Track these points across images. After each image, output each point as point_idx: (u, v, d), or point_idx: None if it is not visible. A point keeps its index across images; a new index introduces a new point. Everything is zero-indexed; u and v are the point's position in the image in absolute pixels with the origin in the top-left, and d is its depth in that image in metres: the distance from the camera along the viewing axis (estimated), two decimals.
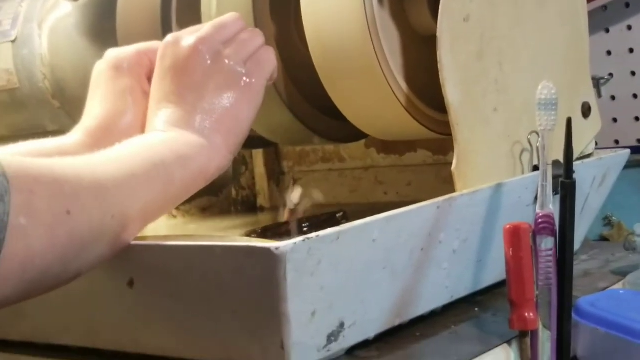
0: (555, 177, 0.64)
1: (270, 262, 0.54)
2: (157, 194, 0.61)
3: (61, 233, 0.52)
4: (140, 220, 0.59)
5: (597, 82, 1.25)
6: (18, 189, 0.49)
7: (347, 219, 0.87)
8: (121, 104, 0.72)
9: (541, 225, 0.61)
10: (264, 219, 1.10)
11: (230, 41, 0.69)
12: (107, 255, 0.57)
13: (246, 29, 0.71)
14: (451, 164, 0.73)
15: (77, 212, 0.52)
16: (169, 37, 0.70)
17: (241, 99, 0.68)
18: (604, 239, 1.15)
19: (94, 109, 0.73)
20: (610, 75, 1.27)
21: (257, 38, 0.71)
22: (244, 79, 0.68)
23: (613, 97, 1.27)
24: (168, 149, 0.63)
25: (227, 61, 0.68)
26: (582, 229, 0.90)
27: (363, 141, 1.08)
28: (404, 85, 0.77)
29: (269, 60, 0.71)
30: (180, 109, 0.66)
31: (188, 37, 0.69)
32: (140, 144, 0.63)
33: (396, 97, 0.76)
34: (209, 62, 0.67)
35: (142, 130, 0.71)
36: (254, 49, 0.70)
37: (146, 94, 0.72)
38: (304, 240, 0.55)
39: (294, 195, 0.89)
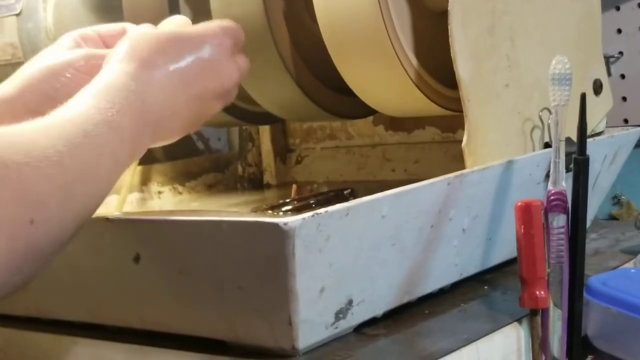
0: (567, 154, 0.64)
1: (279, 238, 0.53)
2: (107, 186, 0.55)
3: (20, 245, 0.47)
4: (94, 213, 0.55)
5: (607, 61, 1.24)
6: None
7: (354, 196, 0.87)
8: (59, 68, 0.66)
9: (553, 203, 0.61)
10: (271, 196, 1.09)
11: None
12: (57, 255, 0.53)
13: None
14: (459, 141, 0.72)
15: (40, 222, 0.48)
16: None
17: (187, 117, 0.64)
18: (613, 218, 1.14)
19: (30, 66, 0.68)
20: (620, 53, 1.25)
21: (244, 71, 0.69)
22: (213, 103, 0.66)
23: (623, 76, 1.25)
24: (121, 136, 0.56)
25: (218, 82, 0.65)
26: (592, 208, 0.89)
27: (370, 118, 1.07)
28: (414, 60, 0.76)
29: (233, 95, 0.69)
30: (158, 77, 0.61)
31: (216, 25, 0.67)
32: (99, 124, 0.55)
33: (406, 72, 0.75)
34: (215, 58, 0.65)
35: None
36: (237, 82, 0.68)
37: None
38: (313, 216, 0.54)
39: None
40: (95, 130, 0.54)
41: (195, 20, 0.85)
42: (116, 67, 0.60)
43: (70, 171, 0.51)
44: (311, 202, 0.85)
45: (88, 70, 0.65)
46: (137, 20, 0.85)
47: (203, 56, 0.64)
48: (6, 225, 0.46)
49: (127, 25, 0.71)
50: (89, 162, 0.53)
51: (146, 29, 0.66)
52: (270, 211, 0.84)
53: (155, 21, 0.84)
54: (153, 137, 0.61)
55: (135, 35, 0.63)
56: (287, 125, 1.16)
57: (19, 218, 0.47)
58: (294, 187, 0.93)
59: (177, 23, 0.71)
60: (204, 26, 0.67)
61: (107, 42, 0.70)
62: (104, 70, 0.60)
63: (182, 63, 0.62)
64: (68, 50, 0.68)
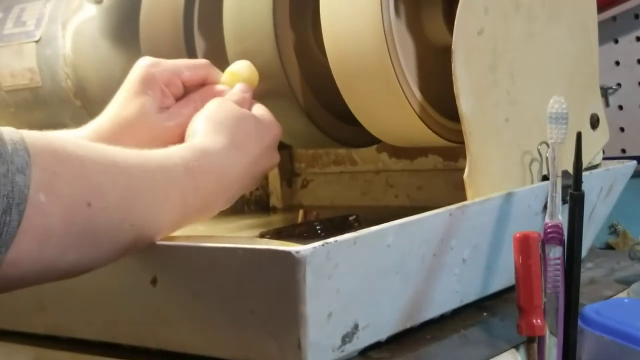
0: (564, 187, 0.67)
1: (291, 265, 0.56)
2: (172, 219, 0.63)
3: (77, 221, 0.53)
4: (155, 234, 0.61)
5: (605, 92, 1.27)
6: (40, 166, 0.50)
7: (359, 222, 0.90)
8: (133, 115, 0.75)
9: (550, 235, 0.64)
10: (276, 220, 1.12)
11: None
12: (116, 258, 0.59)
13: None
14: (461, 169, 0.75)
15: (97, 208, 0.54)
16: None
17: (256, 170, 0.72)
18: (609, 246, 1.17)
19: (107, 114, 0.76)
20: (618, 85, 1.29)
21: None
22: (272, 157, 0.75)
23: (620, 107, 1.28)
24: (201, 182, 0.64)
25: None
26: (588, 238, 0.92)
27: (375, 145, 1.10)
28: (418, 94, 0.79)
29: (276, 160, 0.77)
30: (227, 148, 0.69)
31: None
32: (189, 165, 0.63)
33: (411, 105, 0.78)
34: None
35: (145, 145, 0.73)
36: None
37: (164, 110, 0.76)
38: (323, 245, 0.57)
39: None
40: (171, 166, 0.62)
41: (209, 51, 0.89)
42: (206, 138, 0.68)
43: (135, 181, 0.58)
44: (317, 227, 0.87)
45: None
46: (153, 49, 0.89)
47: (267, 141, 0.74)
48: (64, 198, 0.52)
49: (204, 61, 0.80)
50: (156, 186, 0.60)
51: (229, 103, 0.74)
52: (274, 237, 0.87)
53: (171, 50, 0.88)
54: (219, 205, 0.69)
55: (223, 111, 0.72)
56: (294, 150, 1.19)
57: (76, 197, 0.53)
58: (301, 211, 0.96)
59: (245, 66, 0.81)
60: (266, 114, 0.76)
61: (185, 81, 0.78)
62: (193, 138, 0.69)
63: (257, 146, 0.72)
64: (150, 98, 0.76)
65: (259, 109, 0.76)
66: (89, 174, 0.54)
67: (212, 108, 0.73)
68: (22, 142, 0.51)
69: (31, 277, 0.53)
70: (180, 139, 0.71)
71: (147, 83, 0.76)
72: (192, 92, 0.78)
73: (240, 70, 0.81)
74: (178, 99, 0.78)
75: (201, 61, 0.81)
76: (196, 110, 0.74)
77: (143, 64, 0.77)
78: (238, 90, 0.78)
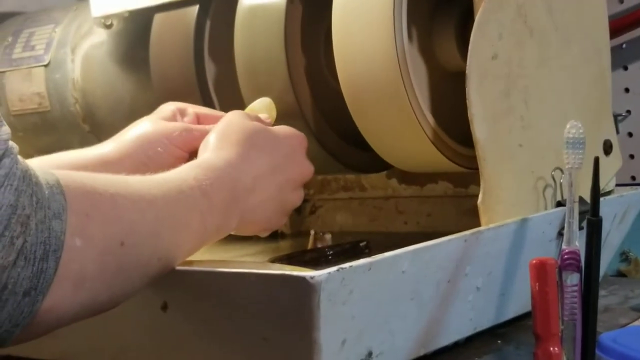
0: (580, 213, 0.66)
1: (305, 291, 0.55)
2: (196, 245, 0.63)
3: (111, 262, 0.53)
4: (173, 265, 0.61)
5: (615, 119, 1.26)
6: (75, 210, 0.50)
7: (370, 248, 0.89)
8: (156, 140, 0.75)
9: (567, 262, 0.63)
10: (285, 246, 1.11)
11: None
12: (141, 289, 0.59)
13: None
14: (472, 196, 0.74)
15: (130, 246, 0.54)
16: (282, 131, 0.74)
17: (275, 202, 0.71)
18: (621, 274, 1.16)
19: (135, 130, 0.76)
20: (628, 112, 1.28)
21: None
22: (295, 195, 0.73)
23: (630, 134, 1.28)
24: (217, 206, 0.64)
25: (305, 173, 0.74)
26: (602, 265, 0.90)
27: (384, 171, 1.09)
28: (431, 119, 0.78)
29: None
30: (250, 171, 0.68)
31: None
32: (203, 187, 0.62)
33: (424, 130, 0.77)
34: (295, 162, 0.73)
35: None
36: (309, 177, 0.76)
37: (174, 160, 0.74)
38: (338, 270, 0.56)
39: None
40: (189, 191, 0.61)
41: (220, 76, 0.89)
42: (215, 153, 0.67)
43: (161, 212, 0.57)
44: (328, 253, 0.87)
45: (181, 143, 0.74)
46: (163, 74, 0.88)
47: (287, 150, 0.72)
48: (99, 240, 0.51)
49: (222, 113, 0.78)
50: (179, 214, 0.59)
51: (241, 118, 0.72)
52: (285, 262, 0.86)
53: (181, 75, 0.88)
54: (242, 220, 0.67)
55: (233, 126, 0.71)
56: None
57: (111, 237, 0.52)
58: (312, 235, 0.95)
59: (264, 104, 0.81)
60: (285, 127, 0.75)
61: (202, 121, 0.78)
62: (202, 153, 0.68)
63: (273, 156, 0.70)
64: (164, 121, 0.76)
65: (277, 127, 0.75)
66: (121, 213, 0.54)
67: (224, 122, 0.72)
68: (58, 186, 0.50)
69: (65, 321, 0.52)
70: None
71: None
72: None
73: (259, 107, 0.80)
74: None
75: (220, 113, 0.79)
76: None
77: (169, 109, 0.78)
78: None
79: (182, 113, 0.78)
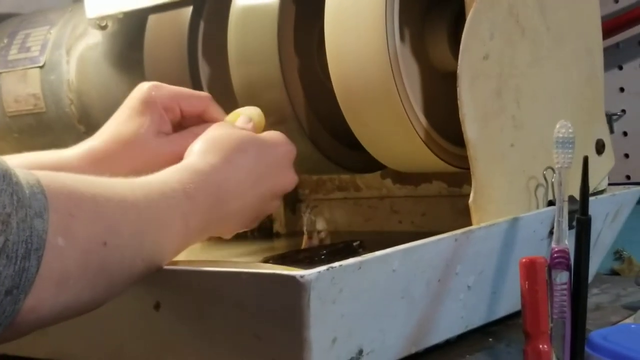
0: (570, 213, 0.66)
1: (295, 290, 0.56)
2: (176, 246, 0.63)
3: (94, 261, 0.53)
4: (156, 266, 0.61)
5: (609, 118, 1.27)
6: (57, 210, 0.50)
7: (363, 247, 0.89)
8: (129, 137, 0.75)
9: (556, 260, 0.63)
10: (280, 245, 1.12)
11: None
12: (126, 289, 0.59)
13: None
14: (465, 195, 0.75)
15: (113, 246, 0.54)
16: (275, 137, 0.75)
17: (249, 220, 0.72)
18: (614, 272, 1.16)
19: (104, 132, 0.77)
20: (623, 111, 1.29)
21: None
22: (272, 205, 0.74)
23: (625, 133, 1.28)
24: (200, 208, 0.64)
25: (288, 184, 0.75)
26: (594, 264, 0.91)
27: (379, 171, 1.10)
28: (423, 119, 0.79)
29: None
30: (231, 177, 0.68)
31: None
32: (187, 189, 0.63)
33: (416, 131, 0.78)
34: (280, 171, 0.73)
35: (141, 167, 0.72)
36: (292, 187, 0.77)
37: (159, 137, 0.76)
38: (327, 269, 0.57)
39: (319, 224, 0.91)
40: (172, 193, 0.61)
41: (213, 77, 0.89)
42: (200, 157, 0.67)
43: (143, 214, 0.57)
44: (321, 253, 0.87)
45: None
46: (157, 75, 0.89)
47: (273, 159, 0.72)
48: (82, 240, 0.51)
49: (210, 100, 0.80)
50: (162, 216, 0.59)
51: (229, 127, 0.74)
52: (278, 262, 0.86)
53: (176, 76, 0.88)
54: (218, 224, 0.67)
55: (221, 133, 0.71)
56: (297, 176, 1.18)
57: (94, 237, 0.52)
58: (305, 237, 0.95)
59: (254, 111, 0.80)
60: (275, 134, 0.75)
61: (183, 110, 0.78)
62: (187, 158, 0.68)
63: (257, 164, 0.70)
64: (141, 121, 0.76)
65: (268, 133, 0.76)
66: (103, 213, 0.54)
67: (211, 130, 0.73)
68: (39, 185, 0.50)
69: (48, 321, 0.52)
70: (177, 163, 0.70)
71: (148, 105, 0.76)
72: (190, 123, 0.78)
73: (248, 111, 0.80)
74: (174, 126, 0.78)
75: (202, 94, 0.80)
76: None
77: (145, 87, 0.77)
78: (241, 122, 0.78)
79: (167, 110, 0.77)
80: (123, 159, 0.74)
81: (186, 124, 0.78)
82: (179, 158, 0.72)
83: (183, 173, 0.64)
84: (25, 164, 0.69)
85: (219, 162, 0.68)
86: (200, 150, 0.69)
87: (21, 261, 0.48)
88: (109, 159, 0.74)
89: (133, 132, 0.75)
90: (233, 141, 0.70)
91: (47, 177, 0.51)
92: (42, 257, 0.49)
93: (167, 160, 0.73)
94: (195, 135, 0.75)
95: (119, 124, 0.76)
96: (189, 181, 0.63)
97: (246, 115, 0.79)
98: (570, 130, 0.65)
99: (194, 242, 0.66)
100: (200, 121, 0.79)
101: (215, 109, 0.80)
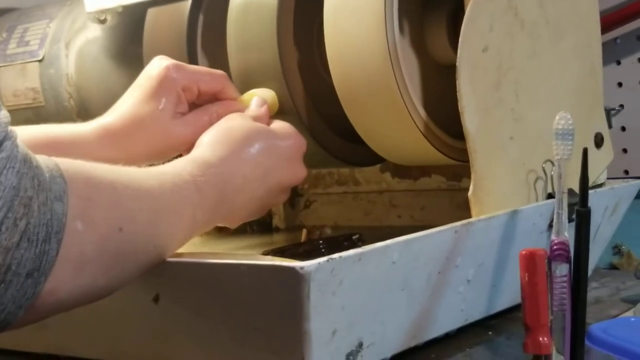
0: (570, 205, 0.66)
1: (295, 281, 0.56)
2: (183, 235, 0.63)
3: (110, 247, 0.53)
4: (166, 255, 0.61)
5: (607, 113, 1.26)
6: (76, 194, 0.50)
7: (362, 241, 0.89)
8: (147, 117, 0.75)
9: (556, 252, 0.63)
10: (279, 239, 1.12)
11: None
12: (136, 279, 0.59)
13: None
14: (464, 189, 0.74)
15: (128, 232, 0.54)
16: (283, 128, 0.75)
17: (260, 207, 0.72)
18: (613, 267, 1.16)
19: (120, 109, 0.76)
20: (621, 106, 1.28)
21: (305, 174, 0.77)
22: (280, 197, 0.74)
23: (623, 128, 1.28)
24: (208, 200, 0.64)
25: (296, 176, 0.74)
26: (593, 257, 0.91)
27: (378, 165, 1.10)
28: (422, 112, 0.79)
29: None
30: (241, 169, 0.68)
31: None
32: (197, 181, 0.63)
33: (415, 124, 0.78)
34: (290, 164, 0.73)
35: (155, 147, 0.75)
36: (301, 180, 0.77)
37: (178, 116, 0.76)
38: (327, 261, 0.56)
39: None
40: (184, 185, 0.61)
41: (213, 68, 0.89)
42: (210, 149, 0.67)
43: (157, 203, 0.58)
44: (321, 246, 0.87)
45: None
46: None
47: (283, 153, 0.72)
48: (99, 225, 0.52)
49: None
50: (173, 206, 0.60)
51: (242, 118, 0.73)
52: (280, 254, 0.87)
53: None
54: (225, 217, 0.68)
55: (234, 124, 0.71)
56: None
57: (111, 223, 0.53)
58: (304, 231, 0.95)
59: (268, 93, 0.81)
60: (285, 126, 0.75)
61: (202, 89, 0.78)
62: (198, 148, 0.68)
63: (267, 157, 0.70)
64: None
65: (279, 124, 0.76)
66: (120, 199, 0.54)
67: (224, 121, 0.73)
68: (58, 169, 0.50)
69: (66, 305, 0.53)
70: (190, 147, 0.70)
71: (166, 86, 0.75)
72: (204, 101, 0.78)
73: (262, 92, 0.80)
74: (191, 105, 0.77)
75: (219, 72, 0.80)
76: (211, 122, 0.73)
77: (163, 65, 0.76)
78: (255, 105, 0.78)
79: (185, 90, 0.77)
80: (137, 138, 0.74)
81: (201, 101, 0.78)
82: (192, 139, 0.72)
83: (194, 165, 0.64)
84: (40, 137, 0.69)
85: (229, 155, 0.68)
86: (210, 142, 0.69)
87: (42, 244, 0.48)
88: (124, 137, 0.74)
89: (149, 113, 0.75)
90: (244, 134, 0.70)
91: (65, 162, 0.52)
92: (62, 241, 0.49)
93: (181, 141, 0.73)
94: (209, 115, 0.76)
95: (136, 103, 0.76)
96: (200, 174, 0.63)
97: (260, 97, 0.79)
98: (569, 122, 0.65)
99: (199, 234, 0.66)
100: (214, 99, 0.78)
101: (230, 88, 0.80)
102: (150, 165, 0.66)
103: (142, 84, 0.76)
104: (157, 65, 0.76)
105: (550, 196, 0.79)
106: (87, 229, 0.51)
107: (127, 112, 0.75)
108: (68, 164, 0.52)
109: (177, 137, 0.75)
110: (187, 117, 0.76)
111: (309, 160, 0.94)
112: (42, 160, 0.50)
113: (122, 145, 0.73)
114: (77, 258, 0.50)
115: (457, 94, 0.72)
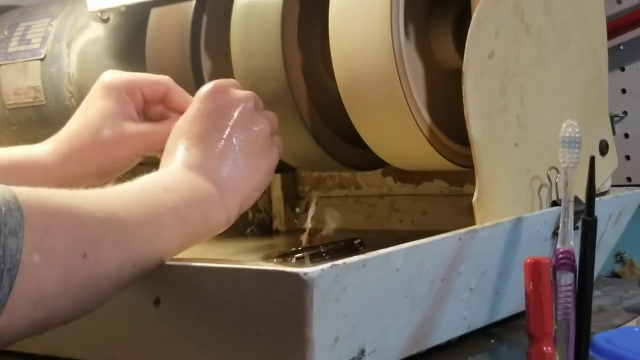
0: (575, 213, 0.66)
1: (298, 287, 0.55)
2: (177, 243, 0.61)
3: (76, 276, 0.51)
4: (156, 265, 0.60)
5: (611, 120, 1.26)
6: (33, 226, 0.48)
7: (364, 245, 0.89)
8: (95, 123, 0.75)
9: (562, 261, 0.62)
10: (280, 243, 1.11)
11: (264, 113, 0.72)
12: (116, 295, 0.57)
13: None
14: (467, 195, 0.74)
15: (94, 257, 0.52)
16: (218, 84, 0.71)
17: (264, 168, 0.70)
18: (615, 275, 1.16)
19: (70, 123, 0.76)
20: (625, 113, 1.28)
21: (277, 123, 0.74)
22: (271, 151, 0.71)
23: (627, 135, 1.28)
24: (194, 199, 0.63)
25: (265, 128, 0.70)
26: (597, 266, 0.90)
27: (380, 169, 1.09)
28: (427, 117, 0.78)
29: (281, 147, 0.74)
30: (212, 155, 0.67)
31: (238, 90, 0.71)
32: (168, 187, 0.62)
33: (420, 129, 0.77)
34: (254, 121, 0.70)
35: (112, 152, 0.74)
36: (276, 131, 0.73)
37: (127, 120, 0.75)
38: (331, 267, 0.56)
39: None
40: (151, 192, 0.60)
41: (216, 71, 0.89)
42: (168, 151, 0.67)
43: (124, 221, 0.56)
44: (322, 250, 0.86)
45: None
46: (159, 68, 0.88)
47: (237, 119, 0.69)
48: (59, 255, 0.50)
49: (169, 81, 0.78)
50: (146, 218, 0.58)
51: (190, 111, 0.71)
52: (282, 259, 0.86)
53: (178, 70, 0.87)
54: (227, 193, 0.66)
55: (179, 121, 0.70)
56: (298, 173, 1.18)
57: (71, 251, 0.51)
58: (306, 234, 0.95)
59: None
60: (233, 93, 0.71)
61: (145, 93, 0.77)
62: (167, 158, 0.67)
63: (231, 128, 0.68)
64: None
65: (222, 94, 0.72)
66: (80, 225, 0.52)
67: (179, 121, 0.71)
68: (15, 202, 0.48)
69: (26, 335, 0.51)
70: (149, 148, 0.71)
71: (109, 90, 0.76)
72: (154, 112, 0.78)
73: None
74: (139, 113, 0.77)
75: (162, 77, 0.79)
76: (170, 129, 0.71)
77: (103, 75, 0.77)
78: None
79: (129, 94, 0.76)
80: (93, 149, 0.73)
81: (150, 113, 0.78)
82: (150, 140, 0.72)
83: (157, 173, 0.64)
84: (1, 161, 0.69)
85: (188, 142, 0.67)
86: (168, 145, 0.68)
87: None
88: (80, 149, 0.73)
89: (99, 118, 0.75)
90: (204, 123, 0.68)
91: (24, 192, 0.50)
92: (15, 277, 0.47)
93: (137, 141, 0.72)
94: (172, 121, 0.74)
95: (84, 113, 0.76)
96: (164, 174, 0.64)
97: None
98: (576, 130, 0.64)
99: (211, 228, 0.65)
100: (163, 110, 0.78)
101: (176, 92, 0.78)
102: (118, 178, 0.66)
103: (88, 97, 0.77)
104: (98, 80, 0.78)
105: (554, 204, 0.79)
106: (46, 261, 0.49)
107: (77, 125, 0.75)
108: (26, 193, 0.50)
109: (133, 136, 0.74)
110: (144, 123, 0.76)
111: (310, 163, 0.94)
112: (1, 190, 0.49)
113: (80, 159, 0.73)
114: (36, 292, 0.49)
115: (463, 99, 0.72)
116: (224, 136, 0.68)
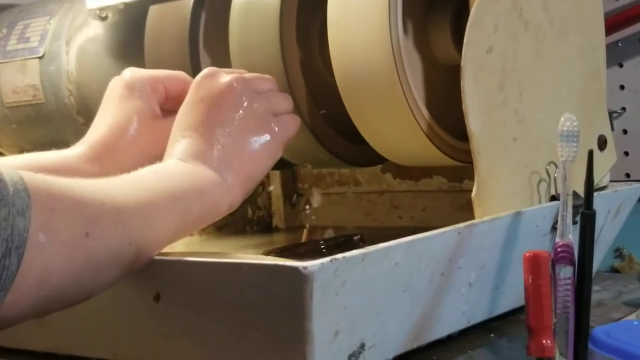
0: (574, 207, 0.66)
1: (298, 281, 0.55)
2: (173, 225, 0.62)
3: (78, 254, 0.53)
4: (154, 249, 0.61)
5: (610, 116, 1.26)
6: (39, 206, 0.50)
7: (364, 241, 0.89)
8: (126, 122, 0.75)
9: (560, 254, 0.63)
10: (279, 239, 1.11)
11: (264, 94, 0.72)
12: (119, 279, 0.59)
13: (279, 91, 0.74)
14: (466, 190, 0.74)
15: (95, 236, 0.54)
16: (207, 70, 0.71)
17: (263, 147, 0.70)
18: (614, 270, 1.16)
19: (100, 125, 0.76)
20: (623, 109, 1.28)
21: (287, 102, 0.74)
22: (271, 129, 0.70)
23: (625, 131, 1.28)
24: (187, 182, 0.64)
25: (258, 107, 0.70)
26: (595, 260, 0.90)
27: (379, 166, 1.10)
28: (426, 113, 0.78)
29: (293, 125, 0.73)
30: (204, 142, 0.67)
31: (227, 74, 0.71)
32: (161, 173, 0.64)
33: (418, 124, 0.77)
34: (243, 102, 0.69)
35: (145, 151, 0.74)
36: (283, 110, 0.73)
37: (156, 117, 0.75)
38: (331, 261, 0.56)
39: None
40: (142, 173, 0.62)
41: (215, 67, 0.88)
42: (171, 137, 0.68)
43: (123, 201, 0.57)
44: (322, 246, 0.87)
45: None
46: (158, 66, 0.88)
47: (227, 99, 0.69)
48: (63, 234, 0.52)
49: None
50: (139, 199, 0.59)
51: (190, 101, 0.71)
52: (279, 255, 0.86)
53: (176, 68, 0.87)
54: (244, 183, 0.68)
55: (183, 110, 0.71)
56: (297, 170, 1.18)
57: (74, 230, 0.52)
58: (305, 231, 0.95)
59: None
60: (221, 77, 0.71)
61: (167, 89, 0.78)
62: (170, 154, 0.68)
63: (219, 111, 0.69)
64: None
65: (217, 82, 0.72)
66: (81, 205, 0.54)
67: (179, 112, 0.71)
68: (22, 183, 0.50)
69: (31, 314, 0.52)
70: None
71: (135, 88, 0.76)
72: (171, 107, 0.77)
73: None
74: (162, 108, 0.77)
75: (179, 73, 0.80)
76: None
77: (123, 74, 0.77)
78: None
79: (153, 90, 0.77)
80: (129, 148, 0.74)
81: (168, 107, 0.78)
82: None
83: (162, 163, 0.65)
84: (28, 165, 0.69)
85: (189, 124, 0.68)
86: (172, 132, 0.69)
87: (2, 260, 0.48)
88: (112, 150, 0.74)
89: (129, 117, 0.75)
90: (206, 113, 0.69)
91: (29, 175, 0.51)
92: (23, 255, 0.49)
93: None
94: None
95: (112, 113, 0.76)
96: (156, 166, 0.64)
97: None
98: (575, 124, 0.64)
99: (203, 223, 0.66)
100: (177, 105, 0.77)
101: None
102: None
103: (111, 97, 0.77)
104: (117, 79, 0.77)
105: (553, 198, 0.79)
106: (51, 240, 0.51)
107: (108, 125, 0.75)
108: (31, 176, 0.52)
109: (166, 133, 0.73)
110: (165, 118, 0.76)
111: (310, 160, 0.94)
112: (7, 173, 0.50)
113: (115, 160, 0.73)
114: (41, 270, 0.50)
115: (462, 94, 0.72)
116: (214, 120, 0.68)
